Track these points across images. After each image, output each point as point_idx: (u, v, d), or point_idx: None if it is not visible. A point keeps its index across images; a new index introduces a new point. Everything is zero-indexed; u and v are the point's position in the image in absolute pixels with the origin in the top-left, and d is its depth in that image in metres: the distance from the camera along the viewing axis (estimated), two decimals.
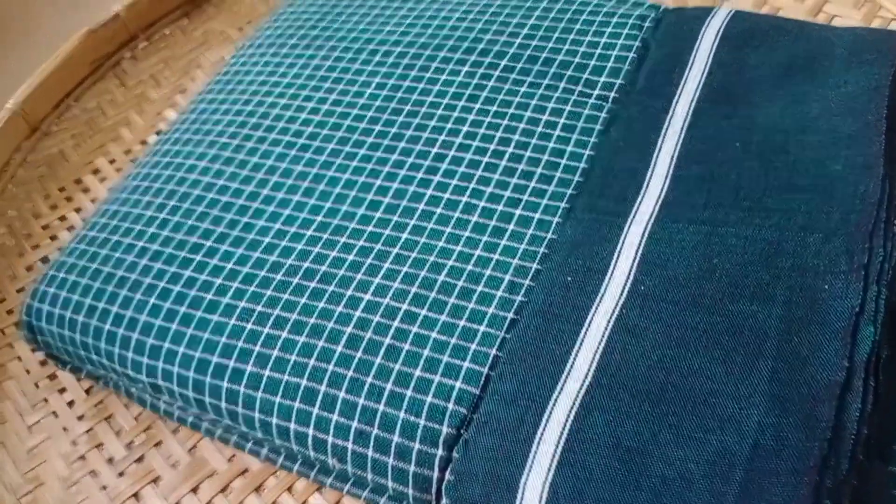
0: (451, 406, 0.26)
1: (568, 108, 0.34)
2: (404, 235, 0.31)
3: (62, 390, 0.37)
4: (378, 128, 0.35)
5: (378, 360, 0.28)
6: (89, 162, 0.46)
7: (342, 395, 0.27)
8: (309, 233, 0.32)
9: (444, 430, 0.26)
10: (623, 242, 0.29)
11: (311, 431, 0.27)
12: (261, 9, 0.52)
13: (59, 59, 0.47)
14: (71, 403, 0.36)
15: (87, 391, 0.36)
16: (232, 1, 0.53)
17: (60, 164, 0.46)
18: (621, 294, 0.28)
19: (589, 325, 0.27)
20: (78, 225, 0.43)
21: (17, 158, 0.46)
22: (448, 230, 0.31)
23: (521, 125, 0.34)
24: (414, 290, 0.29)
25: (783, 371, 0.24)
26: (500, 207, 0.31)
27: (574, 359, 0.26)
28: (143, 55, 0.51)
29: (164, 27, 0.52)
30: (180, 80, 0.49)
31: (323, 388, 0.28)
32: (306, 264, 0.31)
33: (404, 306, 0.29)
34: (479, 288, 0.29)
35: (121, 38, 0.50)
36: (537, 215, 0.31)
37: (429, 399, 0.27)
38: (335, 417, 0.27)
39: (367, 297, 0.30)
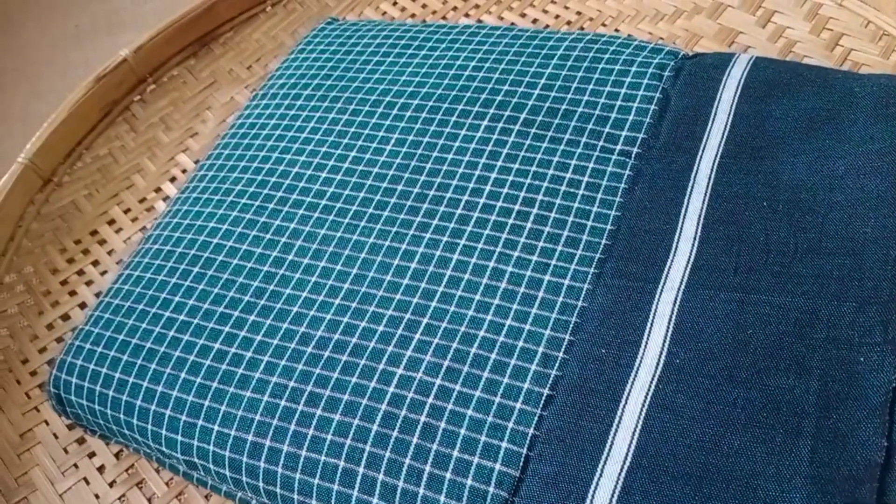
0: (491, 489, 0.26)
1: (591, 165, 0.34)
2: (433, 304, 0.31)
3: (91, 454, 0.37)
4: (400, 188, 0.35)
5: (415, 440, 0.28)
6: (104, 212, 0.46)
7: (381, 477, 0.27)
8: (337, 301, 0.32)
9: None
10: (655, 311, 0.29)
11: None
12: (268, 45, 0.52)
13: (68, 108, 0.47)
14: (101, 468, 0.36)
15: (117, 455, 0.37)
16: (239, 39, 0.52)
17: (75, 215, 0.46)
18: (656, 367, 0.28)
19: (626, 402, 0.27)
20: (97, 279, 0.43)
21: (30, 212, 0.46)
22: (477, 297, 0.31)
23: (545, 184, 0.34)
24: (447, 363, 0.29)
25: (823, 450, 0.25)
26: (529, 273, 0.31)
27: (613, 438, 0.26)
28: (152, 98, 0.50)
29: (172, 69, 0.51)
30: (191, 123, 0.49)
31: (361, 469, 0.28)
32: (336, 336, 0.31)
33: (438, 381, 0.29)
34: (513, 361, 0.29)
35: (129, 83, 0.49)
36: (566, 281, 0.31)
37: (469, 482, 0.27)
38: (375, 501, 0.27)
39: (400, 371, 0.30)
